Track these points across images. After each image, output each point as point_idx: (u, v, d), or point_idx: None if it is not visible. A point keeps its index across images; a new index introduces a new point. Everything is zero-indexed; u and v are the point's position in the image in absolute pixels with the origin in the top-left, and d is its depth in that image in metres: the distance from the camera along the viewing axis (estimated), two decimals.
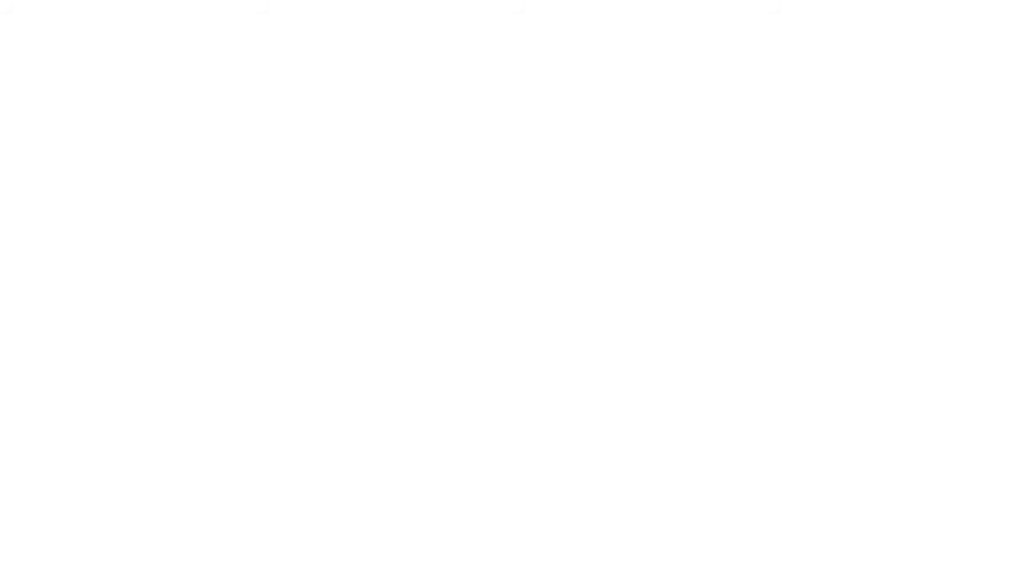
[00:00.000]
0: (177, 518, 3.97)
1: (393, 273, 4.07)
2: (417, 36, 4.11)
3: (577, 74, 4.11)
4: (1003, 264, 4.02)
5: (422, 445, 4.04)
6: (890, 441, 3.99)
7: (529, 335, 4.04)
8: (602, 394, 4.02)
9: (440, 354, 4.05)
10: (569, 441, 4.02)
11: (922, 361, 3.99)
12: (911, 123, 4.08)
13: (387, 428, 4.03)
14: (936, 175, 4.07)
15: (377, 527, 3.99)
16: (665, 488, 3.99)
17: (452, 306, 4.06)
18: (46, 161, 4.07)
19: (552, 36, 4.10)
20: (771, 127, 4.11)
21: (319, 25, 4.15)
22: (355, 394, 4.03)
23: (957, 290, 4.03)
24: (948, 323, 4.00)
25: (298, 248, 4.06)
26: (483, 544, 3.99)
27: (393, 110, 4.07)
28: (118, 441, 3.99)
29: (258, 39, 4.10)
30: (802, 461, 3.99)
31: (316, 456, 4.00)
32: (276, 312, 4.06)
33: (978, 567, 3.90)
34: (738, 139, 4.09)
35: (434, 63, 4.10)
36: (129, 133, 4.09)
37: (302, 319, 4.06)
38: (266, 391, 4.01)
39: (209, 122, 4.12)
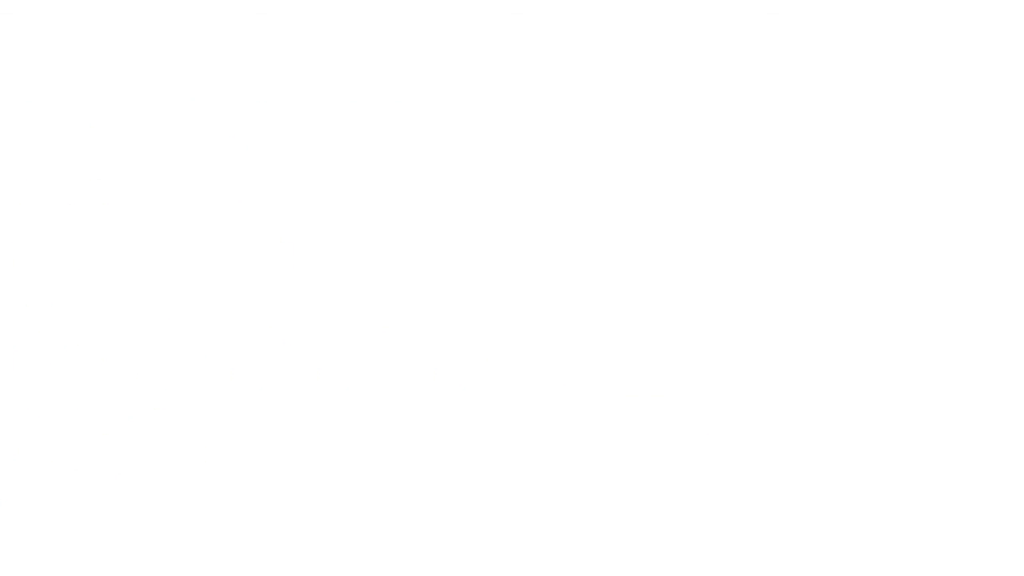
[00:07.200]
0: (177, 518, 3.99)
1: (392, 272, 4.09)
2: (417, 36, 4.12)
3: (576, 74, 4.12)
4: (1003, 264, 4.04)
5: (422, 445, 4.05)
6: (890, 441, 4.00)
7: (529, 335, 4.06)
8: (601, 394, 4.03)
9: (440, 354, 4.07)
10: (567, 442, 4.04)
11: (922, 361, 4.00)
12: (911, 123, 4.10)
13: (387, 428, 4.04)
14: (936, 175, 4.08)
15: (377, 527, 4.00)
16: (665, 488, 4.00)
17: (451, 306, 4.08)
18: (46, 161, 4.08)
19: (551, 36, 4.12)
20: (771, 127, 4.12)
21: (319, 25, 4.16)
22: (354, 394, 4.05)
23: (957, 290, 4.04)
24: (948, 323, 4.02)
25: (297, 247, 4.08)
26: (483, 544, 4.01)
27: (392, 110, 4.08)
28: (118, 441, 4.00)
29: (258, 39, 4.11)
30: (802, 461, 4.00)
31: (316, 456, 4.01)
32: (275, 312, 4.07)
33: (978, 567, 3.92)
34: (738, 139, 4.11)
35: (434, 63, 4.12)
36: (128, 133, 4.10)
37: (301, 319, 4.07)
38: (265, 391, 4.03)
39: (208, 122, 4.14)
